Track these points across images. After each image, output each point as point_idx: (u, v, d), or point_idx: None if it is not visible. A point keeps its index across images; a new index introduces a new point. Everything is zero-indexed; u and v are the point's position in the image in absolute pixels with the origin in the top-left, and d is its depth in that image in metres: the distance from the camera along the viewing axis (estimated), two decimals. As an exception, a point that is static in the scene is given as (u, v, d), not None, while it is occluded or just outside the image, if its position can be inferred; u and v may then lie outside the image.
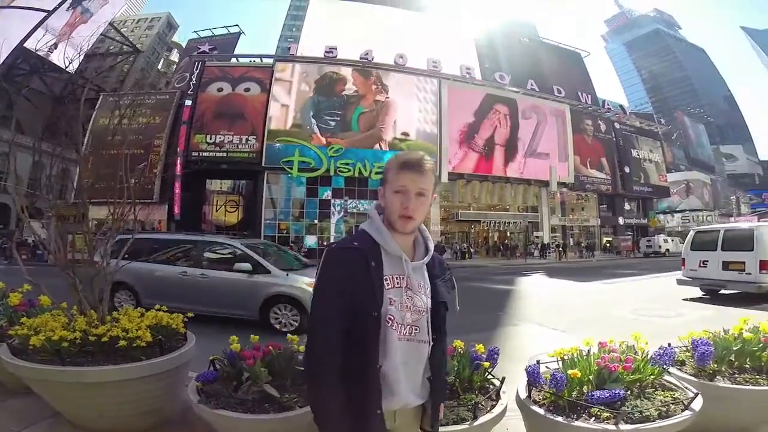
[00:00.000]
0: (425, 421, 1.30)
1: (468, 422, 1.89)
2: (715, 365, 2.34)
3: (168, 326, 3.01)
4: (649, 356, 2.18)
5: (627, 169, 36.97)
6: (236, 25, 36.34)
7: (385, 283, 1.18)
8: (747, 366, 2.33)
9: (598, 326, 5.17)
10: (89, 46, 30.91)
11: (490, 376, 2.27)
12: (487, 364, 2.25)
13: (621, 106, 41.11)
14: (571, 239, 33.85)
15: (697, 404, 1.89)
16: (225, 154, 26.03)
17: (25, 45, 28.78)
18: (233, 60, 30.49)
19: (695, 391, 1.97)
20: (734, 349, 2.36)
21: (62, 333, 2.60)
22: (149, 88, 31.43)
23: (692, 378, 2.25)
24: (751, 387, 2.20)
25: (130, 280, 6.19)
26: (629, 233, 36.60)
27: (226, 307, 6.07)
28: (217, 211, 29.45)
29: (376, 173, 26.51)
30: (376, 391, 1.15)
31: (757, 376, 2.26)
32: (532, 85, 32.90)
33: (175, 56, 55.46)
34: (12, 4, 32.05)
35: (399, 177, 1.20)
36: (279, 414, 2.02)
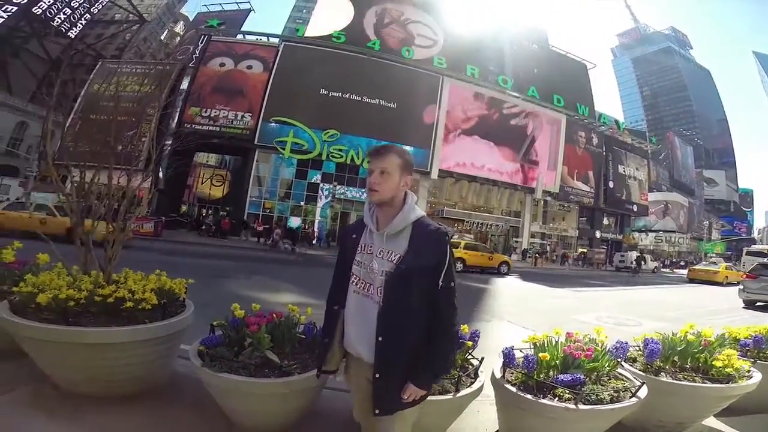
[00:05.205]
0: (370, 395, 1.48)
1: (451, 394, 2.11)
2: (661, 363, 2.62)
3: (171, 291, 2.97)
4: (607, 348, 2.45)
5: (611, 184, 37.51)
6: (248, 1, 35.61)
7: (358, 248, 1.59)
8: (687, 366, 2.62)
9: (562, 328, 5.49)
10: (93, 12, 30.03)
11: (470, 356, 2.48)
12: (469, 343, 2.45)
13: (616, 121, 41.37)
14: (548, 247, 34.62)
15: (643, 393, 2.18)
16: (218, 129, 25.68)
17: (31, 9, 27.76)
18: (239, 36, 29.95)
19: (641, 381, 2.25)
20: (678, 349, 2.65)
21: (69, 292, 2.52)
22: (150, 59, 30.86)
23: (640, 372, 2.51)
24: (687, 383, 2.48)
25: None
26: (603, 247, 37.56)
27: None
28: (202, 183, 29.14)
29: (368, 162, 26.48)
30: (327, 324, 1.65)
31: (694, 375, 2.55)
32: (533, 91, 32.97)
33: (180, 28, 54.40)
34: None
35: (369, 163, 1.63)
36: (279, 378, 2.11)
